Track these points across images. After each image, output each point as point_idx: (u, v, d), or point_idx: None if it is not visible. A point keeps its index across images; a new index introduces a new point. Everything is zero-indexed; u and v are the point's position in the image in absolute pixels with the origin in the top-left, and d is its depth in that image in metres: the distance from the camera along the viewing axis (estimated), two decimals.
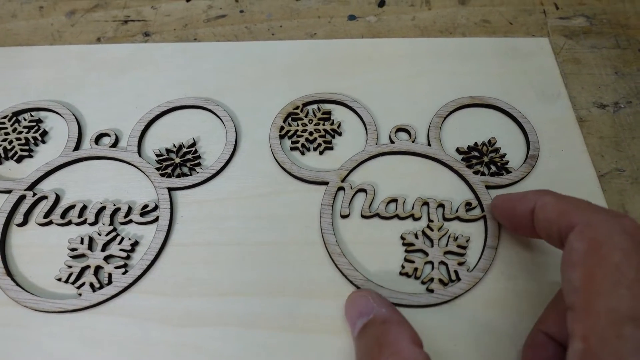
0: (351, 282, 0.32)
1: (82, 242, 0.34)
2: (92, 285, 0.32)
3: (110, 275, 0.33)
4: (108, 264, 0.33)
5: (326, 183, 0.36)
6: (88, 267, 0.33)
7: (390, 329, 0.26)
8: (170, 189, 0.36)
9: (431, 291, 0.32)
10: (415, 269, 0.33)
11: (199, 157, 0.38)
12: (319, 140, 0.38)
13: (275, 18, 0.48)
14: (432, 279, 0.32)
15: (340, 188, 0.36)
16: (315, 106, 0.40)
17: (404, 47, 0.44)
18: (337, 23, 0.48)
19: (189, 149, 0.38)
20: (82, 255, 0.34)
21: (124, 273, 0.33)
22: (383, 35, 0.47)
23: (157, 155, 0.38)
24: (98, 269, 0.33)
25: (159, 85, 0.42)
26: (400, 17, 0.48)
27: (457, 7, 0.49)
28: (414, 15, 0.48)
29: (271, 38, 0.47)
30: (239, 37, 0.47)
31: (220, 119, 0.40)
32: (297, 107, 0.40)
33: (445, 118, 0.40)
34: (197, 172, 0.37)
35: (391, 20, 0.48)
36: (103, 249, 0.34)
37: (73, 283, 0.33)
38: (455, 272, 0.33)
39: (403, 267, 0.33)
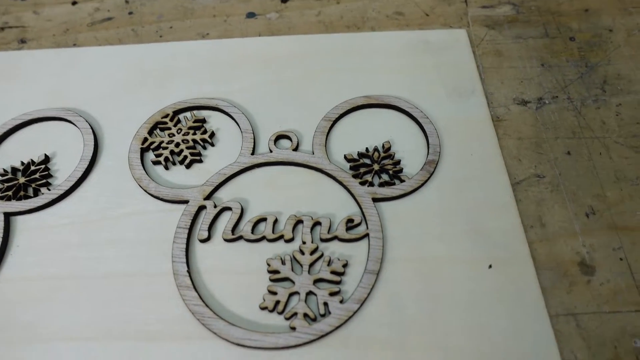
0: (198, 320, 0.27)
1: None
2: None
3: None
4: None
5: (186, 202, 0.31)
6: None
7: None
8: (7, 214, 0.31)
9: (293, 329, 0.26)
10: (277, 302, 0.27)
11: (48, 175, 0.33)
12: (186, 152, 0.33)
13: (166, 19, 0.43)
14: (295, 314, 0.27)
15: (202, 207, 0.31)
16: (189, 114, 0.35)
17: (301, 45, 0.39)
18: (234, 22, 0.43)
19: (38, 167, 0.33)
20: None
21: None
22: (283, 32, 0.42)
23: (0, 175, 0.33)
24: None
25: (22, 96, 0.37)
26: (304, 12, 0.43)
27: None
28: (319, 10, 0.43)
29: (158, 40, 0.42)
30: (123, 41, 0.42)
31: (81, 131, 0.35)
32: (167, 116, 0.35)
33: (335, 122, 0.34)
34: (43, 194, 0.32)
35: (294, 17, 0.43)
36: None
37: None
38: (325, 304, 0.27)
39: (264, 299, 0.27)
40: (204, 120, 0.35)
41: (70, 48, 0.41)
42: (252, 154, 0.33)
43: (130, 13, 0.44)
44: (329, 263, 0.28)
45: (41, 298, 0.29)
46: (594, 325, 0.27)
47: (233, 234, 0.30)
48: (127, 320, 0.27)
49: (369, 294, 0.27)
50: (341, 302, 0.27)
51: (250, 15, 0.43)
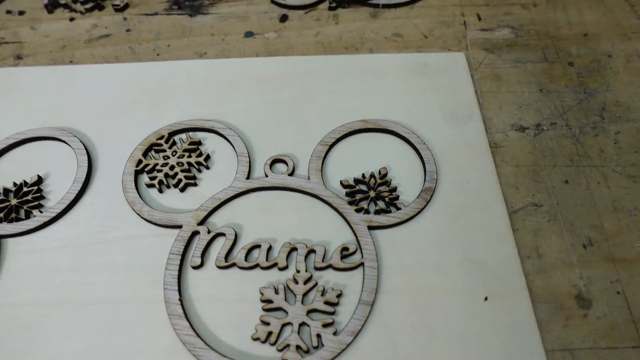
0: (189, 350, 0.26)
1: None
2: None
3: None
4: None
5: (180, 227, 0.30)
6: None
7: None
8: None
9: None
10: (270, 333, 0.27)
11: (40, 197, 0.32)
12: (180, 175, 0.32)
13: (163, 37, 0.43)
14: (288, 346, 0.26)
15: (195, 233, 0.30)
16: (184, 135, 0.35)
17: (299, 66, 0.39)
18: (232, 41, 0.42)
19: (30, 188, 0.32)
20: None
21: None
22: (281, 53, 0.41)
23: None
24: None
25: (16, 113, 0.37)
26: (302, 32, 0.43)
27: (367, 20, 0.43)
28: (318, 30, 0.43)
29: (156, 59, 0.41)
30: (120, 59, 0.42)
31: (75, 152, 0.34)
32: (162, 137, 0.34)
33: (331, 146, 0.34)
34: (35, 216, 0.31)
35: (292, 37, 0.43)
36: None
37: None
38: (318, 336, 0.27)
39: (256, 330, 0.27)
40: (199, 143, 0.34)
41: (67, 65, 0.41)
42: (247, 178, 0.32)
43: (127, 30, 0.44)
44: (323, 293, 0.28)
45: (30, 324, 0.28)
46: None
47: (226, 261, 0.29)
48: (116, 349, 0.27)
49: (362, 326, 0.27)
50: (335, 334, 0.27)
51: (249, 34, 0.43)
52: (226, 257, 0.29)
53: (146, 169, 0.33)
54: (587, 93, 0.38)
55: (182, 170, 0.33)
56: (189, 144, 0.34)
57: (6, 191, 0.33)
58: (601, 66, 0.40)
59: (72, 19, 0.45)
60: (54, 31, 0.44)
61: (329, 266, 0.29)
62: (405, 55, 0.40)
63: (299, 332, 0.27)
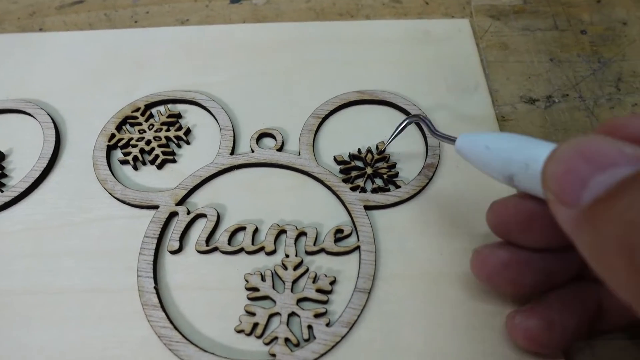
0: (165, 345, 0.23)
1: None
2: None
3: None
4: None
5: (156, 207, 0.27)
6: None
7: None
8: None
9: (273, 356, 0.23)
10: (255, 325, 0.24)
11: (2, 175, 0.29)
12: (157, 150, 0.29)
13: (142, 3, 0.40)
14: (276, 338, 0.24)
15: (173, 214, 0.27)
16: (162, 108, 0.32)
17: (289, 33, 0.36)
18: (217, 7, 0.39)
19: None
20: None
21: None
22: (270, 20, 0.38)
23: None
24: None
25: None
26: None
27: None
28: None
29: (133, 26, 0.38)
30: (94, 26, 0.38)
31: (41, 126, 0.31)
32: (138, 109, 0.31)
33: (324, 119, 0.31)
34: None
35: (282, 3, 0.39)
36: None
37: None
38: (309, 327, 0.24)
39: (240, 321, 0.24)
40: (179, 116, 0.31)
41: (36, 33, 0.38)
42: (232, 153, 0.29)
43: None
44: (315, 280, 0.25)
45: None
46: (609, 353, 0.24)
47: (207, 245, 0.26)
48: (84, 342, 0.24)
49: (359, 316, 0.24)
50: (328, 325, 0.24)
51: (235, 0, 0.39)
52: (207, 240, 0.26)
53: (120, 144, 0.30)
54: (602, 63, 0.35)
55: (159, 146, 0.30)
56: (168, 117, 0.31)
57: None
58: (616, 34, 0.37)
59: None
60: None
61: (322, 250, 0.26)
62: (405, 21, 0.37)
63: (288, 324, 0.24)
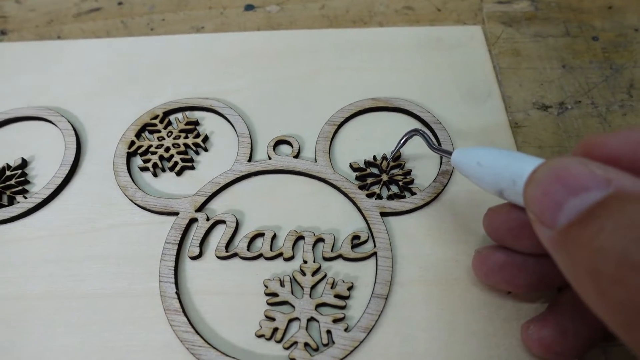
0: (187, 349, 0.24)
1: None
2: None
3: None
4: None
5: (176, 214, 0.28)
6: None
7: None
8: None
9: None
10: (275, 330, 0.24)
11: (25, 182, 0.30)
12: (176, 157, 0.30)
13: (158, 10, 0.40)
14: (295, 343, 0.24)
15: (193, 220, 0.28)
16: (180, 115, 0.32)
17: (304, 41, 0.36)
18: (231, 14, 0.40)
19: (14, 172, 0.30)
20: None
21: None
22: (284, 27, 0.39)
23: None
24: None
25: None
26: (307, 5, 0.40)
27: None
28: (323, 3, 0.40)
29: (149, 33, 0.39)
30: (112, 34, 0.39)
31: (62, 133, 0.32)
32: (156, 117, 0.32)
33: (340, 126, 0.31)
34: (18, 202, 0.29)
35: (296, 10, 0.40)
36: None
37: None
38: (328, 332, 0.24)
39: (260, 326, 0.25)
40: (197, 123, 0.32)
41: (54, 41, 0.38)
42: (249, 160, 0.30)
43: (119, 3, 0.41)
44: (333, 285, 0.26)
45: (13, 320, 0.26)
46: (623, 357, 0.25)
47: (227, 251, 0.27)
48: (107, 346, 0.25)
49: (376, 322, 0.25)
50: (346, 330, 0.24)
51: (249, 7, 0.40)
52: (227, 246, 0.27)
53: (139, 151, 0.30)
54: (614, 69, 0.35)
55: (178, 152, 0.30)
56: (186, 124, 0.31)
57: None
58: (628, 41, 0.37)
59: None
60: (40, 5, 0.41)
61: (339, 256, 0.27)
62: (417, 29, 0.37)
63: (307, 329, 0.25)
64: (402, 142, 0.28)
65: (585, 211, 0.16)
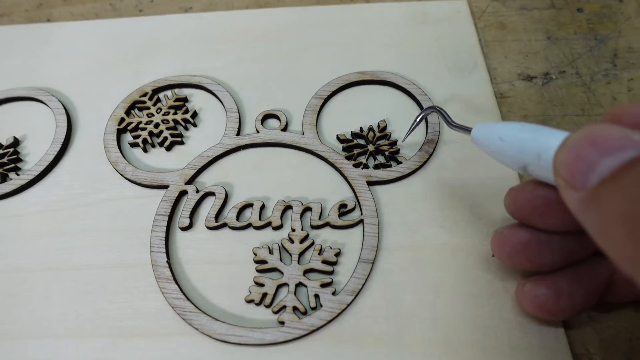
0: (179, 315, 0.25)
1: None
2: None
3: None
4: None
5: (166, 187, 0.28)
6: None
7: None
8: None
9: (282, 323, 0.24)
10: (264, 295, 0.25)
11: (17, 159, 0.30)
12: (166, 133, 0.30)
13: None
14: (284, 307, 0.25)
15: (183, 192, 0.28)
16: (169, 92, 0.33)
17: (291, 18, 0.37)
18: None
19: (6, 150, 0.30)
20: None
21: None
22: (272, 5, 0.39)
23: None
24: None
25: None
26: None
27: None
28: None
29: (138, 15, 0.39)
30: (100, 16, 0.39)
31: (53, 112, 0.32)
32: (146, 94, 0.32)
33: (326, 99, 0.32)
34: (11, 179, 0.29)
35: None
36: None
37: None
38: (316, 296, 0.25)
39: (250, 292, 0.25)
40: (185, 99, 0.32)
41: (44, 23, 0.39)
42: (238, 134, 0.30)
43: None
44: (320, 252, 0.26)
45: (8, 292, 0.26)
46: (608, 317, 0.25)
47: (216, 221, 0.27)
48: (101, 315, 0.25)
49: (363, 285, 0.25)
50: (333, 294, 0.25)
51: None
52: (216, 217, 0.27)
53: (129, 128, 0.31)
54: (598, 40, 0.36)
55: (167, 128, 0.31)
56: (175, 101, 0.32)
57: None
58: (612, 12, 0.37)
59: None
60: None
61: (327, 224, 0.27)
62: (403, 4, 0.37)
63: (295, 293, 0.25)
64: (418, 119, 0.28)
65: (618, 167, 0.16)
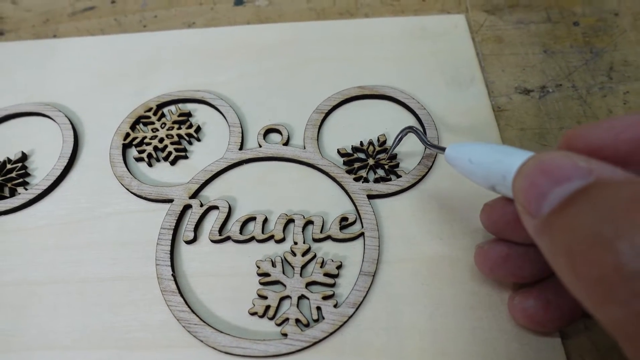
0: (184, 327, 0.25)
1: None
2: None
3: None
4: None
5: (171, 201, 0.29)
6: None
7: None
8: None
9: (285, 335, 0.25)
10: (268, 307, 0.26)
11: (25, 174, 0.31)
12: (170, 147, 0.31)
13: (150, 8, 0.41)
14: (287, 320, 0.25)
15: (187, 206, 0.29)
16: (173, 107, 0.33)
17: (291, 33, 0.37)
18: (221, 10, 0.41)
19: (14, 165, 0.31)
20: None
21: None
22: (273, 20, 0.40)
23: None
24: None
25: None
26: None
27: None
28: None
29: (142, 30, 0.40)
30: (106, 31, 0.40)
31: (60, 127, 0.33)
32: (150, 109, 0.33)
33: (327, 114, 0.32)
34: (20, 194, 0.30)
35: (284, 4, 0.41)
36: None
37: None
38: (318, 308, 0.25)
39: (253, 304, 0.26)
40: (189, 114, 0.33)
41: (50, 39, 0.39)
42: (240, 149, 0.31)
43: (112, 2, 0.42)
44: (322, 265, 0.27)
45: (17, 304, 0.27)
46: (603, 330, 0.26)
47: (220, 235, 0.28)
48: (107, 327, 0.26)
49: (364, 298, 0.26)
50: (335, 306, 0.25)
51: (238, 2, 0.41)
52: (220, 230, 0.28)
53: (134, 143, 0.32)
54: (594, 53, 0.36)
55: (172, 143, 0.31)
56: (179, 116, 0.33)
57: None
58: (607, 25, 0.38)
59: None
60: (36, 5, 0.42)
61: (328, 237, 0.28)
62: (402, 19, 0.38)
63: (298, 306, 0.26)
64: (397, 140, 0.29)
65: (566, 198, 0.16)
